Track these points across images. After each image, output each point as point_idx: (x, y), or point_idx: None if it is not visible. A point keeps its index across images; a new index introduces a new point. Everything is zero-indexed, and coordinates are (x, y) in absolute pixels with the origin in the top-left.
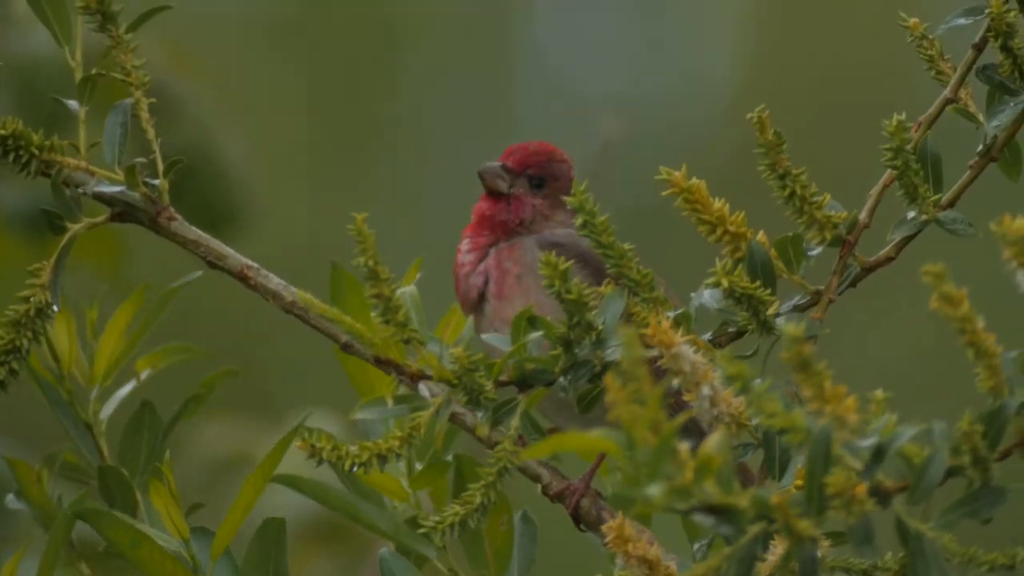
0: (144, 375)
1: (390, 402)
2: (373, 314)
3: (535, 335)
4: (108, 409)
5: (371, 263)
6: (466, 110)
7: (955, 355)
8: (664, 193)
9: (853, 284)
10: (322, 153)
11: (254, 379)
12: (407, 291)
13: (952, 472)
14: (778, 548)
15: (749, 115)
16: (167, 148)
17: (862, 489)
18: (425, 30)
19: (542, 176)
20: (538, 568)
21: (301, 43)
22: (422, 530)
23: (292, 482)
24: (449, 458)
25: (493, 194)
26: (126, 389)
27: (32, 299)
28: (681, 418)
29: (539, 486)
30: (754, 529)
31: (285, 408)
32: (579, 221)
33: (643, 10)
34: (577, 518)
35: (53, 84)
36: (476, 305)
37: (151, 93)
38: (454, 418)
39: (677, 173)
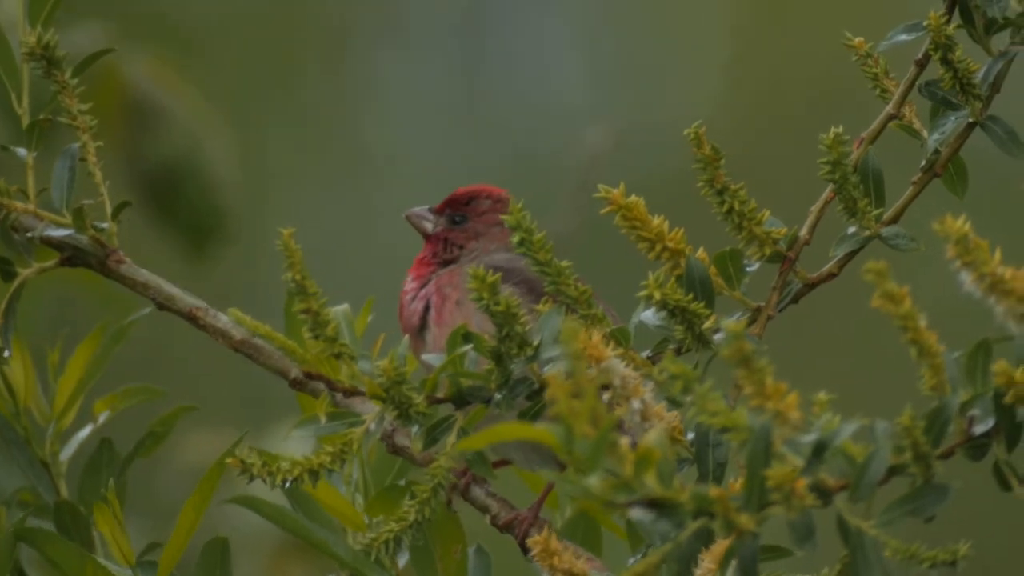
0: (103, 417)
1: (323, 419)
2: (303, 330)
3: (467, 348)
4: (68, 451)
5: (298, 277)
6: (450, 123)
7: (899, 375)
8: (603, 211)
9: (795, 300)
10: (301, 166)
11: (238, 387)
12: (339, 309)
13: (894, 470)
14: (705, 562)
15: (686, 131)
16: (153, 158)
17: (802, 483)
18: (405, 41)
19: (463, 213)
20: None
21: (276, 50)
22: (358, 547)
23: (251, 504)
24: (403, 483)
25: (423, 236)
26: (85, 431)
27: None
28: (619, 412)
29: (488, 517)
30: (694, 525)
31: (270, 416)
32: (516, 239)
33: (626, 21)
34: (526, 548)
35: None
36: (418, 332)
37: (136, 104)
38: (400, 452)
39: (615, 191)
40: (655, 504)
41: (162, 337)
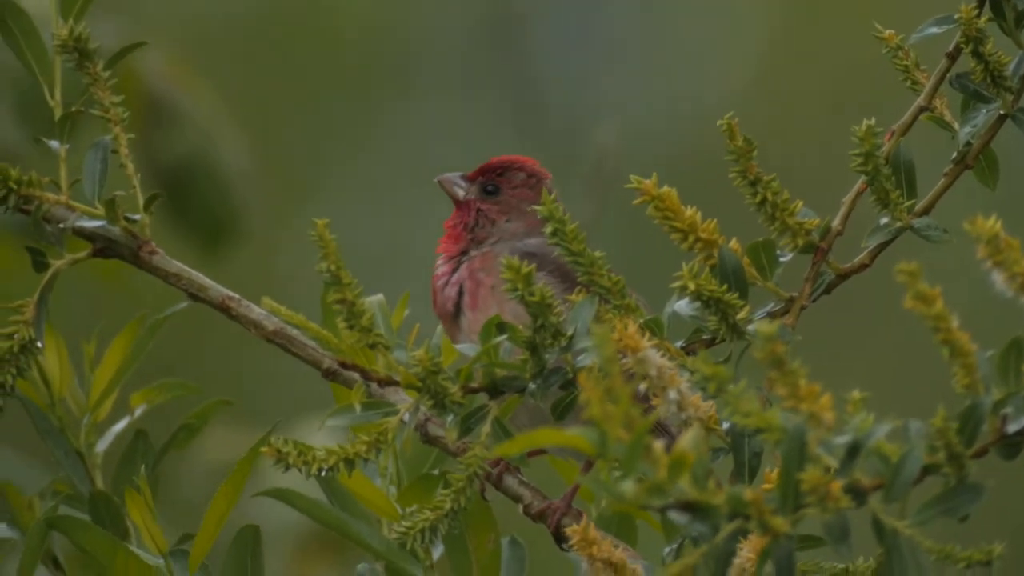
0: (139, 411)
1: (358, 409)
2: (338, 320)
3: (501, 339)
4: (104, 443)
5: (333, 268)
6: (465, 119)
7: (932, 363)
8: (635, 202)
9: (828, 291)
10: (319, 160)
11: (254, 389)
12: (375, 299)
13: (928, 470)
14: (744, 551)
15: (719, 122)
16: (167, 156)
17: (837, 486)
18: (424, 39)
19: (496, 184)
20: None
21: (303, 47)
22: (393, 536)
23: (284, 496)
24: (436, 472)
25: (454, 202)
26: (121, 424)
27: (15, 335)
28: (654, 415)
29: (521, 506)
30: (729, 527)
31: (287, 417)
32: (549, 230)
33: (644, 17)
34: (559, 537)
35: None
36: (453, 317)
37: (151, 102)
38: (434, 442)
39: (648, 181)
40: (690, 506)
41: (156, 352)
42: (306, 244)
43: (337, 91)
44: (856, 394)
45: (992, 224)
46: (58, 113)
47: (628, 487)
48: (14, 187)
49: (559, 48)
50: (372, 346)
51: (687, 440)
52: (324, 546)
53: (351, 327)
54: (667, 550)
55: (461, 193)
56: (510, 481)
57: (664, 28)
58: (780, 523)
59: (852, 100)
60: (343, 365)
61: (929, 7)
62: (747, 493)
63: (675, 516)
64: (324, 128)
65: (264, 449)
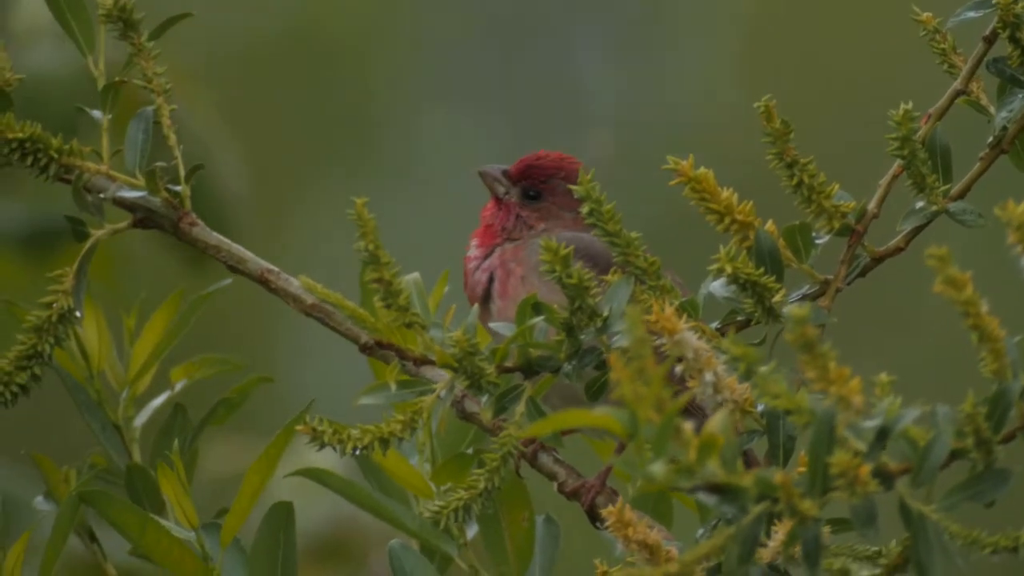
0: (179, 386)
1: (393, 387)
2: (375, 299)
3: (538, 319)
4: (143, 417)
5: (371, 247)
6: (464, 121)
7: (962, 346)
8: (671, 183)
9: (863, 274)
10: (320, 163)
11: (260, 401)
12: (411, 277)
13: (956, 455)
14: (779, 534)
15: (756, 104)
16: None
17: (866, 470)
18: (424, 42)
19: (538, 190)
20: (559, 569)
21: (302, 54)
22: (427, 515)
23: (318, 476)
24: (470, 451)
25: (494, 197)
26: (161, 398)
27: (54, 305)
28: (684, 397)
29: (555, 484)
30: (757, 509)
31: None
32: (586, 209)
33: (643, 19)
34: (593, 515)
35: (57, 100)
36: (482, 302)
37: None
38: (471, 418)
39: (684, 163)
40: (719, 488)
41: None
42: (305, 247)
43: (336, 92)
44: (884, 377)
45: (1023, 210)
46: (101, 83)
47: (658, 468)
48: (55, 156)
49: (558, 49)
50: (409, 325)
51: (716, 422)
52: (330, 554)
53: (388, 306)
54: (701, 531)
55: (502, 191)
56: (545, 459)
57: (664, 29)
58: (809, 506)
59: (869, 82)
60: (379, 344)
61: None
62: (776, 476)
63: (704, 497)
64: (323, 129)
65: (299, 427)
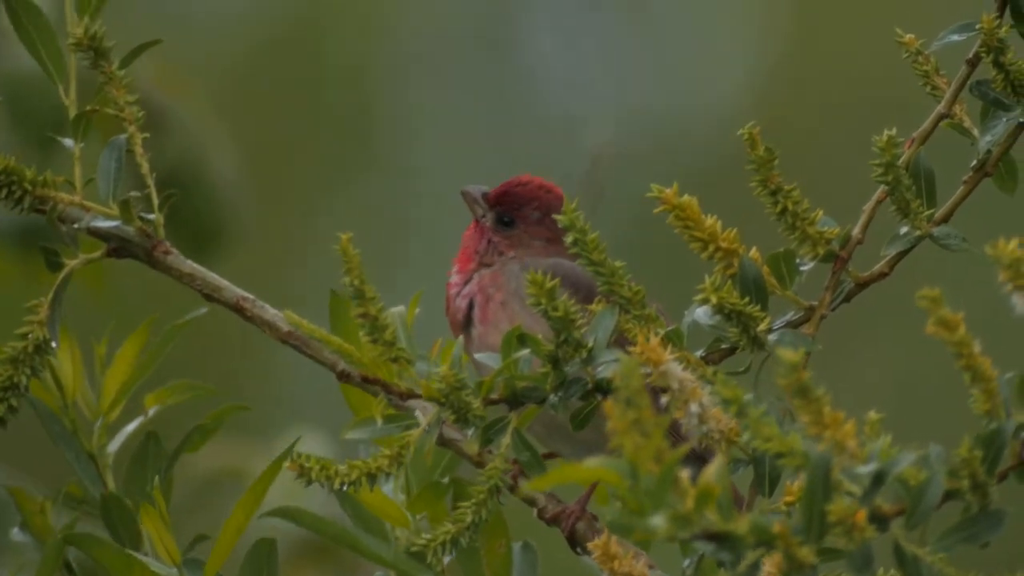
0: (152, 411)
1: (380, 422)
2: (360, 334)
3: (524, 352)
4: (116, 443)
5: (356, 282)
6: (457, 129)
7: (948, 372)
8: (656, 211)
9: (847, 300)
10: (311, 173)
11: (248, 399)
12: (396, 311)
13: (950, 495)
14: (766, 567)
15: (740, 131)
16: (156, 163)
17: (863, 516)
18: (418, 46)
19: (512, 216)
20: None
21: (295, 59)
22: (414, 548)
23: (291, 515)
24: (446, 481)
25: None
26: (133, 424)
27: (30, 335)
28: (683, 448)
29: (535, 510)
30: (753, 556)
31: (279, 429)
32: (570, 239)
33: (641, 24)
34: (573, 541)
35: (46, 99)
36: (463, 328)
37: (142, 108)
38: (449, 444)
39: (668, 190)
40: (715, 536)
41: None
42: (305, 247)
43: (335, 91)
44: (873, 415)
45: (1014, 247)
46: (72, 112)
47: (658, 521)
48: (29, 188)
49: (555, 49)
50: (395, 360)
51: (712, 471)
52: (316, 552)
53: (374, 341)
54: (687, 562)
55: (480, 213)
56: (524, 484)
57: (662, 30)
58: (806, 553)
59: (855, 102)
60: (366, 380)
61: (938, 13)
62: (774, 525)
63: (701, 546)
64: (323, 131)
65: (287, 464)
